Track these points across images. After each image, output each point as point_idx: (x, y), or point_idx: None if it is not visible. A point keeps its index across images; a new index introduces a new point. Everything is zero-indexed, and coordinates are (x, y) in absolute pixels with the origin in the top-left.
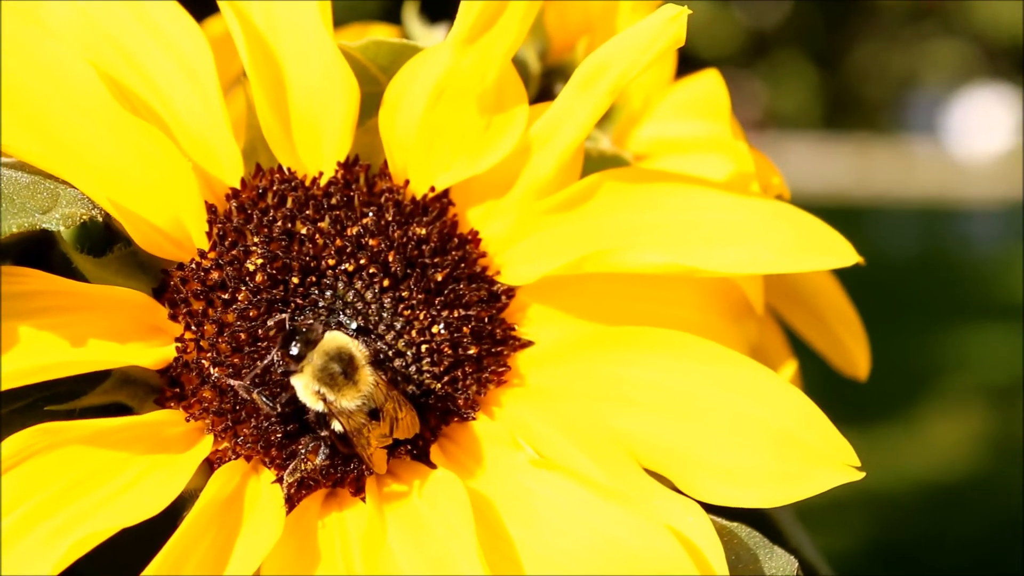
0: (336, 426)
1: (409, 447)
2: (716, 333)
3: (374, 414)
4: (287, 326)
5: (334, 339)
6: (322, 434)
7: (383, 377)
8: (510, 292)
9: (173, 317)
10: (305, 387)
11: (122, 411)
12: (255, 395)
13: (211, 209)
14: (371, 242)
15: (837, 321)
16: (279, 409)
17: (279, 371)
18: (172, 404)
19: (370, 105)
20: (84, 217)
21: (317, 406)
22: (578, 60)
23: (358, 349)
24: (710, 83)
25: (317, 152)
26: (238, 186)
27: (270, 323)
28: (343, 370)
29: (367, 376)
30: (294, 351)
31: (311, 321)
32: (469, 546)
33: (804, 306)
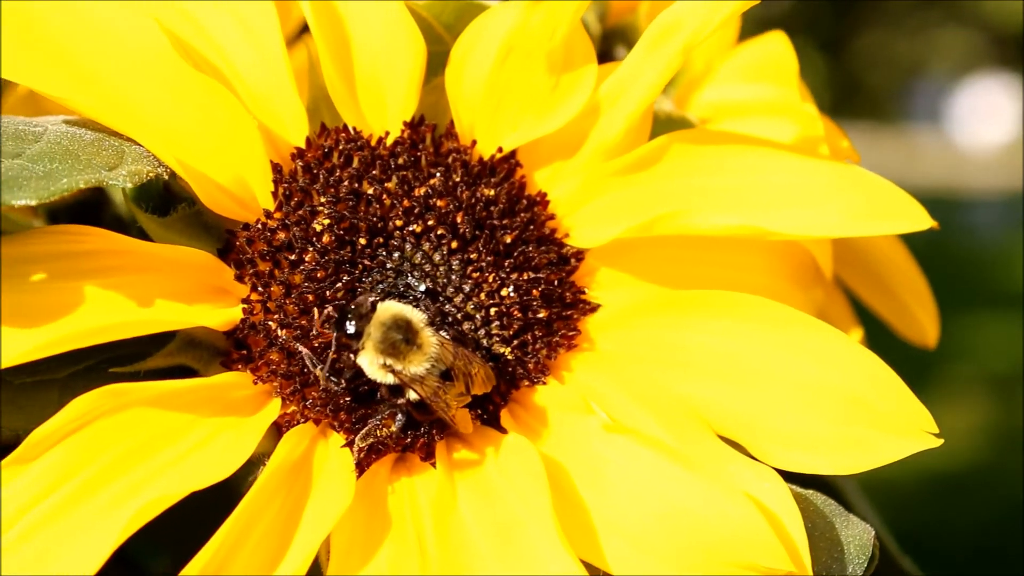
0: (411, 394)
1: (479, 411)
2: (784, 298)
3: (446, 375)
4: (338, 308)
5: (387, 308)
6: (398, 402)
7: (446, 336)
8: (579, 255)
9: (239, 278)
10: (371, 363)
11: (186, 373)
12: (319, 371)
13: (276, 168)
14: (439, 203)
15: (904, 288)
16: (343, 385)
17: (340, 354)
18: (239, 366)
19: (435, 64)
20: (150, 175)
21: (387, 379)
22: (640, 22)
23: (413, 313)
24: (776, 46)
25: (382, 111)
26: (303, 145)
27: (339, 284)
28: (404, 337)
29: (429, 337)
30: (350, 329)
31: (358, 297)
32: (543, 512)
33: (870, 273)
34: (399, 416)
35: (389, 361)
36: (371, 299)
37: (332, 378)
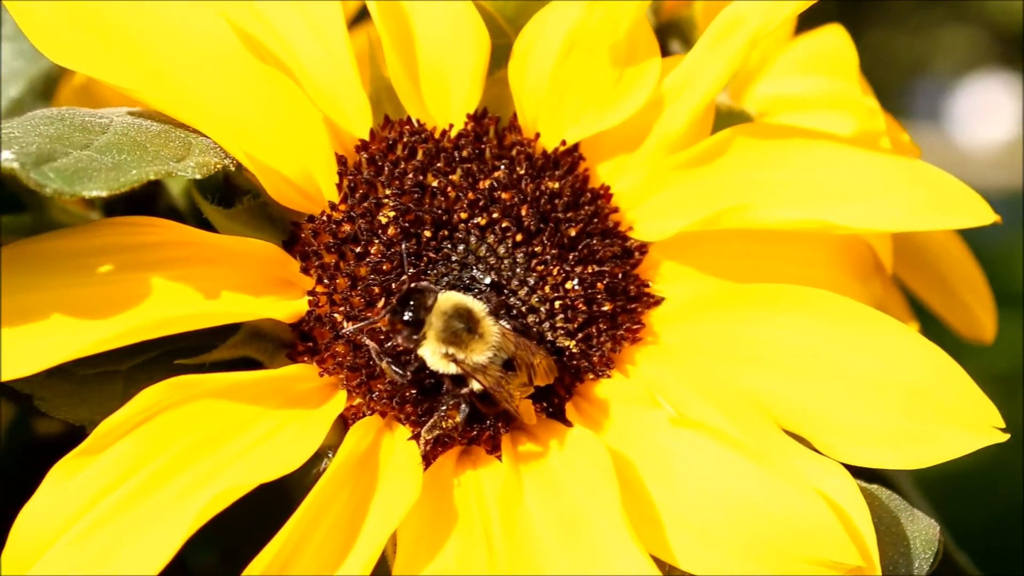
0: (475, 385)
1: (544, 404)
2: (843, 291)
3: (508, 365)
4: (399, 296)
5: (448, 298)
6: (462, 392)
7: (507, 326)
8: (643, 248)
9: (305, 270)
10: (433, 353)
11: (250, 366)
12: (384, 365)
13: (341, 161)
14: (503, 196)
15: (962, 284)
16: (409, 377)
17: (403, 345)
18: (305, 359)
19: (497, 57)
20: (218, 166)
21: (450, 368)
22: (696, 16)
23: (473, 303)
24: (834, 39)
25: (445, 104)
26: (367, 137)
27: (404, 277)
28: (466, 326)
29: (490, 327)
30: (408, 317)
31: (422, 287)
32: (611, 506)
33: (927, 268)
34: (463, 407)
35: (451, 350)
36: (433, 290)
37: (397, 370)
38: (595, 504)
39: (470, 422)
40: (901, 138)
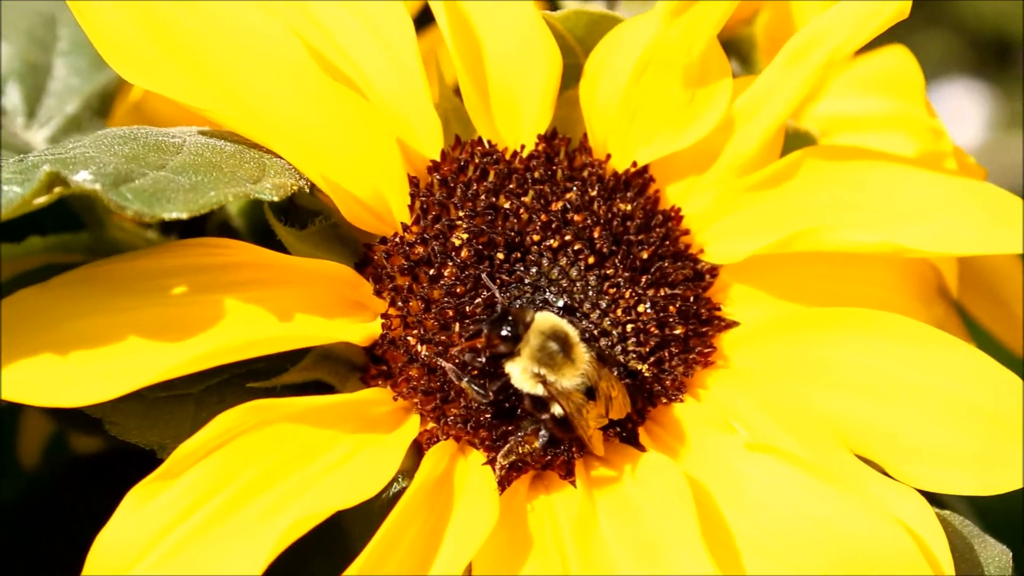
0: (556, 409)
1: (618, 429)
2: (908, 314)
3: (590, 393)
4: (497, 309)
5: (547, 318)
6: (542, 417)
7: (593, 354)
8: (714, 271)
9: (378, 292)
10: (523, 371)
11: (321, 388)
12: (465, 383)
13: (413, 182)
14: (576, 218)
15: (1021, 306)
16: (490, 397)
17: (491, 357)
18: (379, 382)
19: (566, 77)
20: (293, 188)
21: (536, 389)
22: (756, 34)
23: (569, 327)
24: (897, 59)
25: (515, 124)
26: (438, 158)
27: (478, 300)
28: (561, 348)
29: (583, 353)
30: (506, 332)
31: (522, 303)
32: (689, 531)
33: (986, 290)
34: (542, 432)
35: (543, 371)
36: (533, 309)
37: (478, 389)
38: (672, 530)
39: (547, 447)
40: (967, 160)
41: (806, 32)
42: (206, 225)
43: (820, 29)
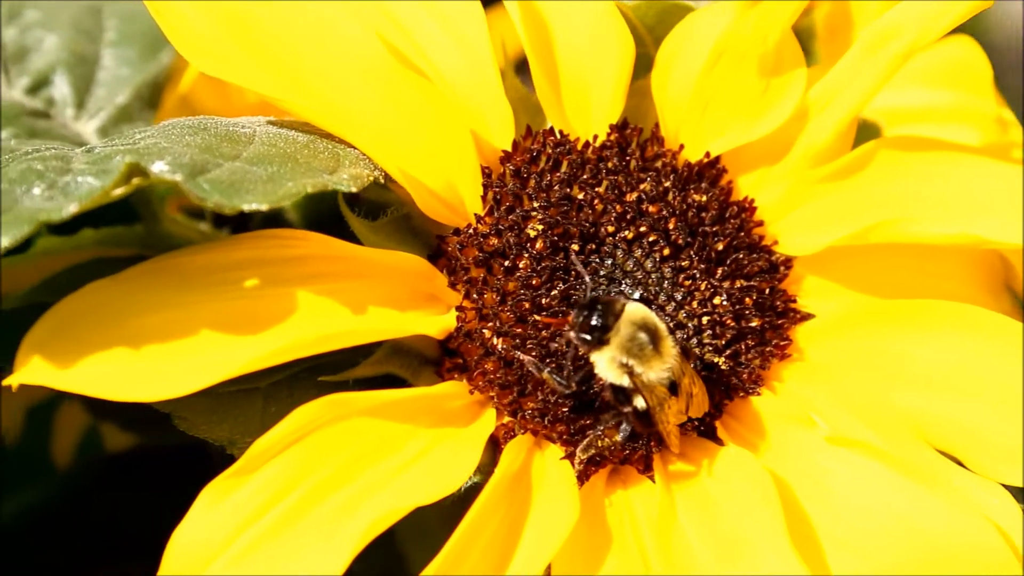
0: (639, 402)
1: (696, 423)
2: (978, 305)
3: (672, 388)
4: (587, 297)
5: (638, 309)
6: (624, 411)
7: (679, 349)
8: (788, 263)
9: (452, 285)
10: (610, 360)
11: (392, 382)
12: (546, 374)
13: (485, 172)
14: (651, 208)
15: None
16: (572, 388)
17: (579, 346)
18: (455, 376)
19: (635, 67)
20: (369, 178)
21: (621, 380)
22: (815, 24)
23: (658, 320)
24: (961, 49)
25: (587, 114)
26: (509, 148)
27: (555, 292)
28: (650, 340)
29: (670, 347)
30: (596, 321)
31: (613, 293)
32: (774, 528)
33: None
34: (623, 426)
35: (632, 362)
36: (621, 299)
37: (560, 380)
38: (757, 528)
39: (627, 441)
40: None
41: (884, 22)
42: (251, 220)
43: (899, 18)
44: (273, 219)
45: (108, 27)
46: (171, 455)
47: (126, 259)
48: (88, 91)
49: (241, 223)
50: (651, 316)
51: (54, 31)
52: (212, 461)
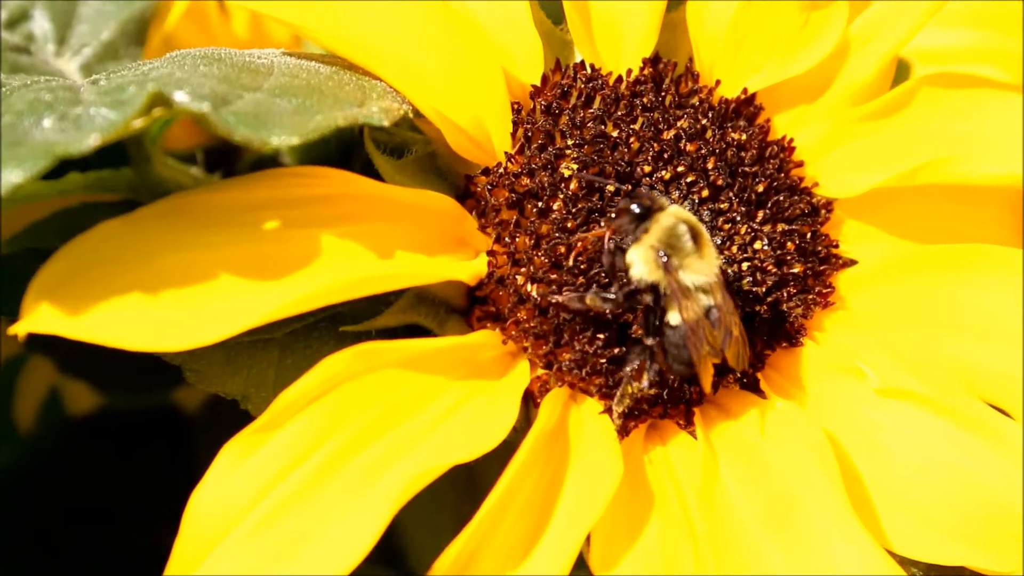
0: (673, 317)
1: (738, 374)
2: None
3: (710, 314)
4: (633, 197)
5: (680, 209)
6: (648, 343)
7: (723, 278)
8: (829, 206)
9: (482, 228)
10: (647, 251)
11: (415, 332)
12: (591, 297)
13: (515, 108)
14: (689, 147)
15: None
16: (620, 299)
17: (619, 241)
18: (488, 324)
19: None
20: (399, 112)
21: (655, 275)
22: None
23: (704, 230)
24: None
25: (618, 47)
26: (539, 83)
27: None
28: (691, 236)
29: (712, 256)
30: (636, 209)
31: (655, 194)
32: (832, 492)
33: None
34: (649, 365)
35: (667, 252)
36: (666, 197)
37: (605, 296)
38: (810, 489)
39: (660, 389)
40: None
41: None
42: (238, 162)
43: None
44: (265, 163)
45: None
46: (138, 417)
47: (115, 204)
48: (70, 26)
49: (232, 169)
50: (693, 219)
51: None
52: (182, 424)
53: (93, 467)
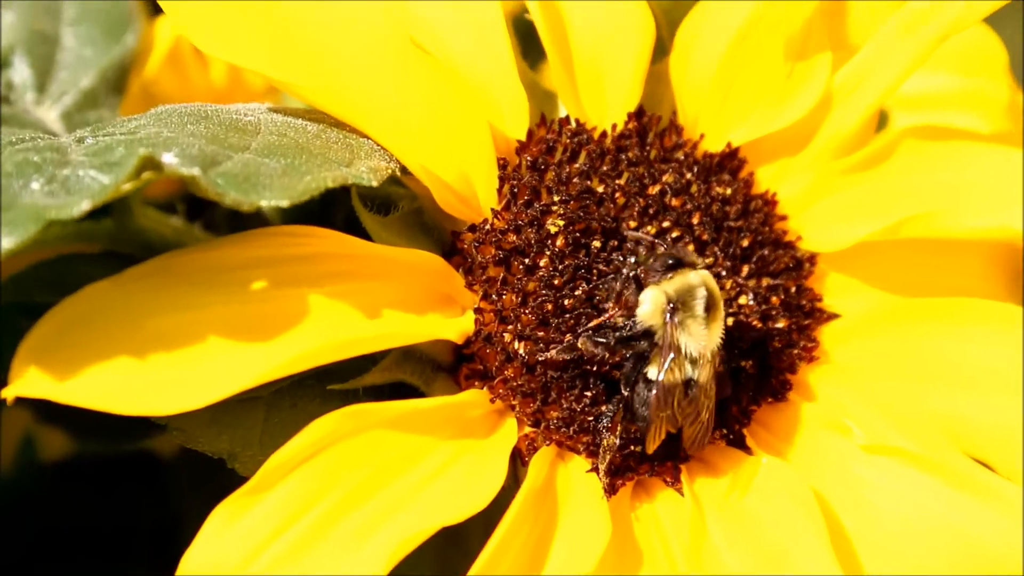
0: (651, 371)
1: (724, 431)
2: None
3: (689, 386)
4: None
5: (711, 278)
6: (624, 393)
7: (715, 363)
8: (812, 259)
9: (469, 285)
10: (658, 296)
11: (402, 390)
12: (583, 341)
13: (501, 164)
14: (674, 202)
15: None
16: (607, 342)
17: (642, 277)
18: (476, 383)
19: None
20: (387, 171)
21: (656, 319)
22: None
23: (721, 305)
24: (976, 34)
25: (602, 100)
26: (524, 138)
27: (578, 292)
28: (705, 304)
29: (716, 333)
30: (670, 259)
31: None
32: (819, 548)
33: None
34: (624, 417)
35: (677, 305)
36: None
37: (598, 340)
38: (799, 545)
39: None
40: None
41: (922, 1)
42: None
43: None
44: (244, 215)
45: (67, 5)
46: (113, 459)
47: (95, 255)
48: (49, 73)
49: (212, 219)
50: (717, 291)
51: (11, 7)
52: (157, 465)
53: (68, 508)
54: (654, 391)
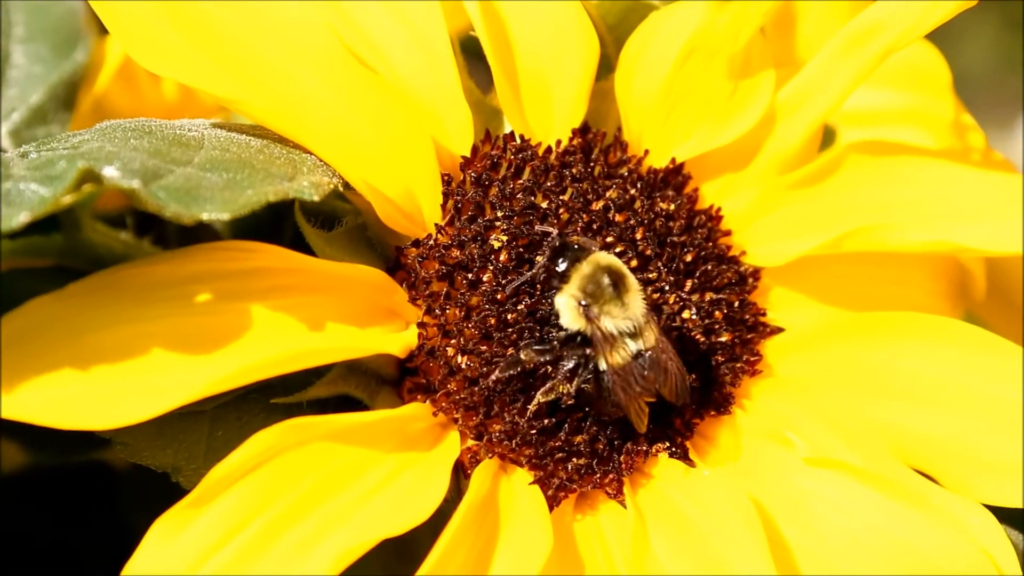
0: (601, 363)
1: (667, 444)
2: (940, 315)
3: (640, 358)
4: (556, 242)
5: (606, 255)
6: (569, 389)
7: (655, 319)
8: (756, 274)
9: (412, 300)
10: (568, 302)
11: (347, 403)
12: (525, 353)
13: (445, 180)
14: (618, 218)
15: None
16: (557, 347)
17: (544, 284)
18: (418, 396)
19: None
20: (330, 186)
21: (578, 323)
22: None
23: (630, 275)
24: (918, 51)
25: (547, 116)
26: (468, 154)
27: (521, 306)
28: (612, 282)
29: (637, 300)
30: (561, 267)
31: (583, 239)
32: (758, 557)
33: (1001, 294)
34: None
35: (587, 301)
36: (591, 246)
37: (541, 348)
38: (739, 555)
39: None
40: (994, 157)
41: (863, 19)
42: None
43: (881, 16)
44: (195, 230)
45: (15, 21)
46: (67, 472)
47: (42, 270)
48: None
49: (162, 234)
50: (619, 264)
51: None
52: (112, 478)
53: (21, 522)
54: (611, 379)
